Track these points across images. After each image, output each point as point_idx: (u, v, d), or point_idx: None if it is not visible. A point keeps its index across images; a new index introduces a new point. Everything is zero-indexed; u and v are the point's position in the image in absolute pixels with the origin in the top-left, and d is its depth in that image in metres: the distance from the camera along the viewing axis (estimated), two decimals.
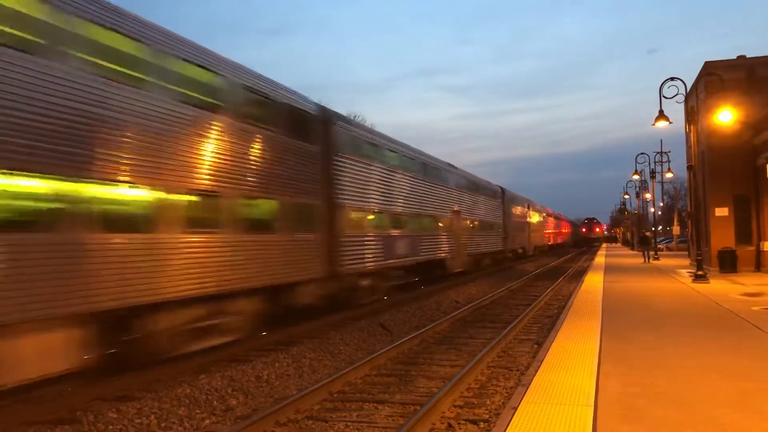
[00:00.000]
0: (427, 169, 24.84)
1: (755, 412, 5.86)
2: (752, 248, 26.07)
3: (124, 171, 9.15)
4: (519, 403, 6.40)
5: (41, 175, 7.78)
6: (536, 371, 7.88)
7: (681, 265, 30.92)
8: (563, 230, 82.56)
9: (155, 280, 9.56)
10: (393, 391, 9.00)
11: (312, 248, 14.68)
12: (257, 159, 12.67)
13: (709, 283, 20.11)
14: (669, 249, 57.88)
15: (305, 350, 12.17)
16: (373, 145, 19.41)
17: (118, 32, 9.24)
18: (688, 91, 22.95)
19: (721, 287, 18.93)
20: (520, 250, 45.81)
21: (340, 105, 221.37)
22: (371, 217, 18.59)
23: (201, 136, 11.00)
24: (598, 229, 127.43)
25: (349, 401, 8.50)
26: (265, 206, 13.03)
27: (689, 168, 24.76)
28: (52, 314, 7.75)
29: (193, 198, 10.67)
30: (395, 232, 20.25)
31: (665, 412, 5.96)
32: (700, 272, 20.85)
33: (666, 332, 10.71)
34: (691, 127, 23.22)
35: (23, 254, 7.48)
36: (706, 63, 26.91)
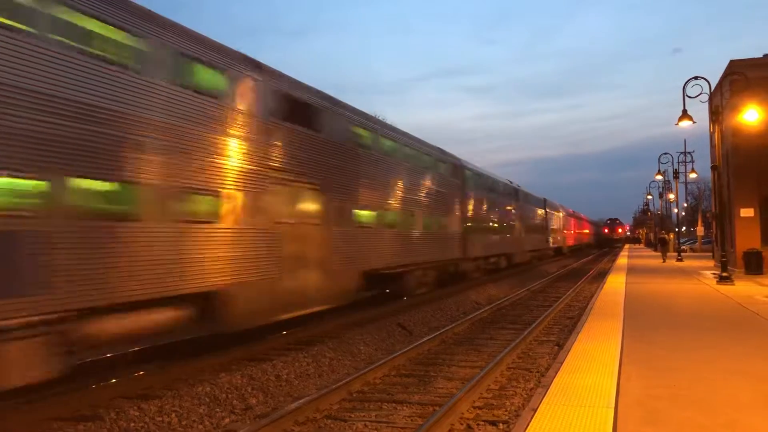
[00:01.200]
0: (510, 192, 35.83)
1: None
2: None
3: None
4: (539, 405, 6.35)
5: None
6: (556, 373, 7.82)
7: (705, 267, 30.51)
8: (586, 231, 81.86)
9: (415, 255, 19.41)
10: (412, 392, 8.99)
11: (455, 242, 23.82)
12: (441, 192, 22.39)
13: (733, 284, 19.82)
14: (693, 250, 57.14)
15: (325, 350, 12.20)
16: (485, 180, 30.15)
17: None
18: (712, 90, 22.67)
19: (746, 289, 18.65)
20: (556, 248, 51.89)
21: (360, 105, 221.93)
22: (482, 225, 28.49)
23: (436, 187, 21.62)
24: (620, 230, 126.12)
25: (368, 401, 8.50)
26: (438, 217, 21.97)
27: (713, 168, 24.45)
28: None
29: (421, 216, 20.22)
30: (492, 236, 30.50)
31: (687, 414, 5.88)
32: (724, 274, 20.55)
33: (689, 334, 10.58)
34: (716, 126, 22.90)
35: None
36: (731, 62, 26.52)
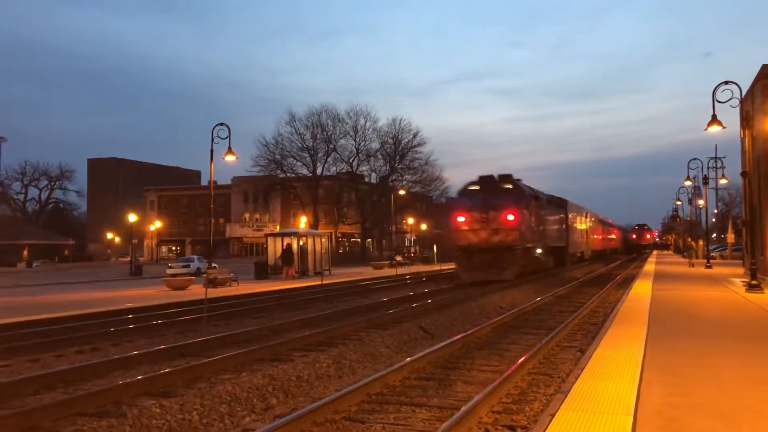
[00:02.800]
0: (590, 215, 53.93)
1: None
2: None
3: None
4: (557, 410, 6.32)
5: None
6: (576, 378, 7.77)
7: (735, 274, 29.97)
8: (612, 236, 80.00)
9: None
10: (431, 395, 8.98)
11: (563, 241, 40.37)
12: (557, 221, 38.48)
13: (763, 293, 19.46)
14: (723, 257, 56.20)
15: (346, 351, 12.25)
16: (580, 210, 48.21)
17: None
18: (743, 95, 22.28)
19: None
20: (579, 254, 49.33)
21: (386, 109, 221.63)
22: (577, 231, 45.63)
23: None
24: (648, 236, 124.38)
25: (387, 403, 8.52)
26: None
27: (743, 174, 24.04)
28: None
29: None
30: (578, 239, 46.40)
31: (708, 423, 5.80)
32: (753, 282, 20.19)
33: (714, 342, 10.43)
34: (746, 132, 22.53)
35: None
36: (764, 66, 26.03)
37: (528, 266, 30.73)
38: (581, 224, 50.80)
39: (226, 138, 27.20)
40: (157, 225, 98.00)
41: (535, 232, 30.88)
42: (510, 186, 29.75)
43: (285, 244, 38.39)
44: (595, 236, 63.84)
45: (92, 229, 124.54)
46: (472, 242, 28.52)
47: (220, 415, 8.20)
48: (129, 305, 20.60)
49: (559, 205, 40.85)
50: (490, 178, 29.98)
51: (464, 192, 30.31)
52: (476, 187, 29.46)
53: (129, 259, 67.36)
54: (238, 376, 10.09)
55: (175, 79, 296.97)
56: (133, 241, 67.66)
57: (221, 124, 27.40)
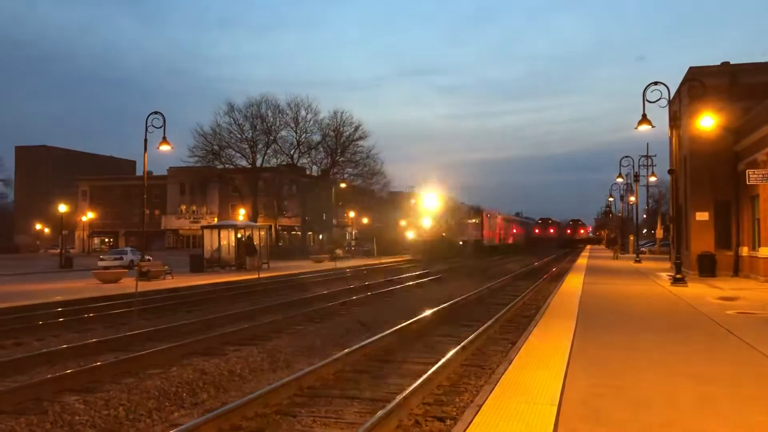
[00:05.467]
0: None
1: (715, 414, 5.93)
2: (731, 253, 26.33)
3: None
4: (484, 401, 6.43)
5: None
6: (506, 370, 7.92)
7: (661, 269, 31.15)
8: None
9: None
10: (364, 388, 9.01)
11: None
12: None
13: (687, 286, 20.28)
14: (652, 252, 58.31)
15: (281, 345, 12.17)
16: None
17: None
18: (671, 96, 23.11)
19: (698, 291, 19.11)
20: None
21: (330, 102, 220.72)
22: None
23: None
24: (582, 231, 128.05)
25: (320, 396, 8.50)
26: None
27: (671, 172, 24.96)
28: None
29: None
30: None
31: (627, 413, 6.01)
32: (678, 276, 21.03)
33: (639, 335, 10.81)
34: (674, 131, 23.39)
35: None
36: (691, 68, 27.11)
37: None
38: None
39: (161, 127, 26.53)
40: (89, 216, 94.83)
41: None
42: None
43: (246, 236, 38.20)
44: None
45: (20, 220, 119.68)
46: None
47: (148, 411, 8.02)
48: (57, 298, 19.88)
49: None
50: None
51: None
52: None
53: (59, 250, 65.01)
54: (168, 370, 9.89)
55: (111, 67, 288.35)
56: (64, 232, 65.20)
57: (156, 112, 26.69)
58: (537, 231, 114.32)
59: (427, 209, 51.28)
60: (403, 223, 55.48)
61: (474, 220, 61.86)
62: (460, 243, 53.82)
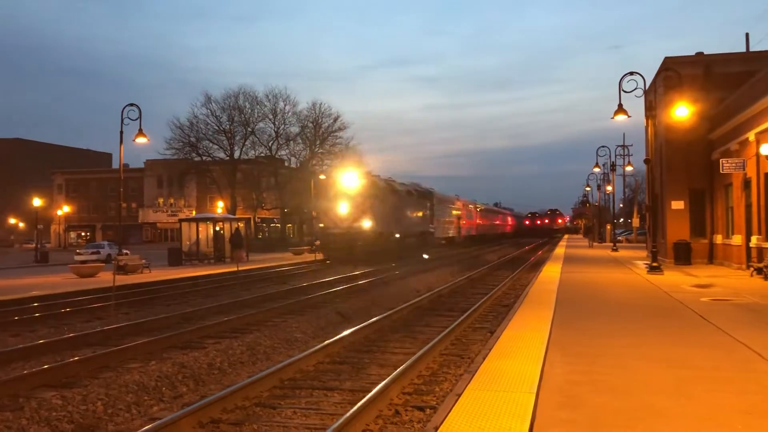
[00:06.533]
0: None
1: (688, 398, 6.03)
2: (706, 241, 26.74)
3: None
4: (463, 390, 6.48)
5: None
6: (484, 359, 7.98)
7: (638, 257, 31.53)
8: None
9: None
10: (344, 379, 9.03)
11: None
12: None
13: (663, 274, 20.56)
14: (629, 241, 58.97)
15: (261, 337, 12.14)
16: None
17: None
18: (647, 86, 23.32)
19: (674, 279, 19.39)
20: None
21: (308, 93, 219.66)
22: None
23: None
24: (560, 221, 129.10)
25: (300, 388, 8.50)
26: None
27: (646, 162, 25.22)
28: None
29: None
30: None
31: (603, 399, 6.09)
32: (654, 264, 21.31)
33: (615, 322, 10.95)
34: (650, 121, 23.62)
35: None
36: (666, 59, 27.39)
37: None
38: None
39: (137, 119, 26.18)
40: (65, 210, 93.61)
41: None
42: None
43: (234, 228, 37.96)
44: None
45: None
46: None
47: (127, 405, 7.97)
48: (34, 293, 19.63)
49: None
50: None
51: None
52: None
53: (34, 245, 64.13)
54: (147, 364, 9.83)
55: (86, 59, 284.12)
56: (39, 226, 64.33)
57: (132, 104, 26.34)
58: (509, 222, 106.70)
59: (341, 192, 34.96)
60: (314, 212, 41.54)
61: (421, 209, 45.51)
62: (397, 236, 37.96)
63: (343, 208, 34.43)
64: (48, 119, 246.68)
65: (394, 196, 38.54)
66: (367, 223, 33.86)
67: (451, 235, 56.86)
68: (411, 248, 40.52)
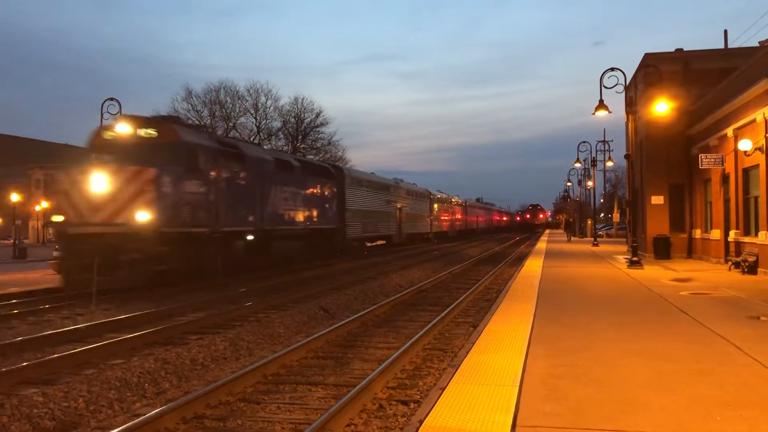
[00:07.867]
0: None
1: (668, 391, 6.12)
2: (685, 235, 27.07)
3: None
4: (447, 384, 6.52)
5: None
6: (467, 353, 8.04)
7: (618, 252, 31.85)
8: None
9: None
10: (328, 374, 9.04)
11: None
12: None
13: (643, 269, 20.79)
14: (609, 236, 59.52)
15: (243, 333, 12.09)
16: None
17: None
18: (628, 82, 23.52)
19: (654, 273, 19.62)
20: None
21: (290, 88, 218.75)
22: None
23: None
24: (541, 216, 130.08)
25: (284, 384, 8.50)
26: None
27: (627, 157, 25.47)
28: None
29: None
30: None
31: (586, 391, 6.16)
32: (634, 258, 21.54)
33: (596, 316, 11.06)
34: (630, 117, 23.84)
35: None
36: (646, 55, 27.64)
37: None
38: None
39: (116, 114, 25.96)
40: (43, 205, 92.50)
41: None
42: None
43: None
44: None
45: None
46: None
47: (109, 402, 7.91)
48: (11, 290, 19.38)
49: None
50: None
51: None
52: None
53: (12, 241, 63.32)
54: (129, 360, 9.75)
55: (67, 53, 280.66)
56: (17, 222, 63.55)
57: (111, 99, 26.12)
58: (480, 216, 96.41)
59: (104, 158, 18.96)
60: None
61: (320, 193, 29.29)
62: (252, 238, 22.31)
63: (98, 186, 17.14)
64: (25, 113, 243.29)
65: (238, 164, 21.39)
66: (143, 216, 16.80)
67: (392, 233, 44.17)
68: (292, 255, 26.61)
